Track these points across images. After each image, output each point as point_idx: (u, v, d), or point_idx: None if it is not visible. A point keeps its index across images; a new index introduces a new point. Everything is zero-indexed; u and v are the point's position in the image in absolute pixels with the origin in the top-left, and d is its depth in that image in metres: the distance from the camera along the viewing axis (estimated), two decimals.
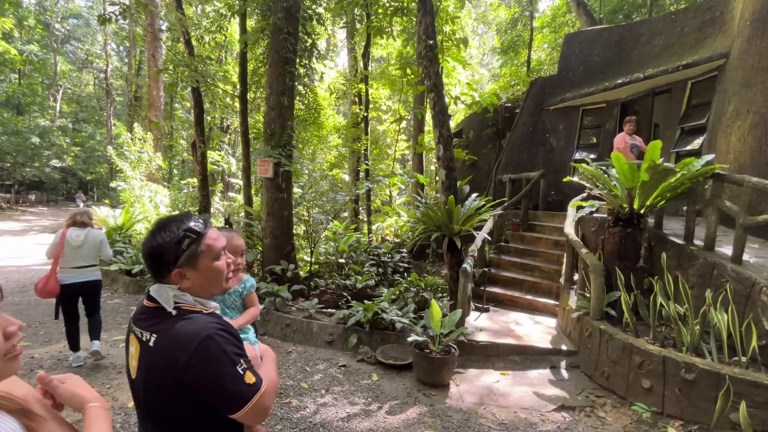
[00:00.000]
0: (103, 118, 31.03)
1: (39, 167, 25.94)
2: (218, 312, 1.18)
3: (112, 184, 15.18)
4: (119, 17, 6.76)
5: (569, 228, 5.01)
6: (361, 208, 11.60)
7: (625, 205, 4.14)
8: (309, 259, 7.91)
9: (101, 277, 4.19)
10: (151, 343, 1.05)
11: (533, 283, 5.86)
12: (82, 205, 20.69)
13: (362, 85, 10.86)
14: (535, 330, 4.82)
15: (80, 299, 3.95)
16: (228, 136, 22.77)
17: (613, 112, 7.75)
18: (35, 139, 24.53)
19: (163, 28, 16.13)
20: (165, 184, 17.08)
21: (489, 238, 5.76)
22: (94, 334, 3.95)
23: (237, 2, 8.55)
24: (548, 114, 8.86)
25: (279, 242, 6.87)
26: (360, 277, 6.72)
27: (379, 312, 4.71)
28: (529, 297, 5.60)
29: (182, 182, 18.55)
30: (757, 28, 5.06)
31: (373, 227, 11.05)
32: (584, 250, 4.35)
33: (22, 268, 8.45)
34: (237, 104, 13.60)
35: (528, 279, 5.93)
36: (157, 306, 1.08)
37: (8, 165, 25.25)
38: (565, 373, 4.01)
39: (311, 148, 14.50)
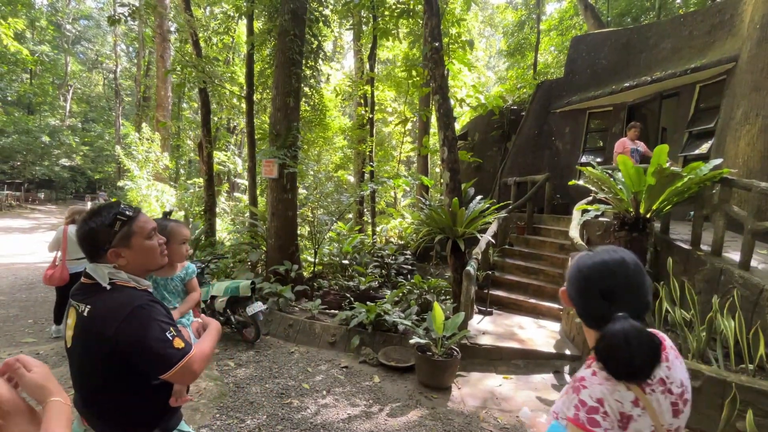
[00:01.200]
0: (111, 118, 31.38)
1: (48, 166, 26.28)
2: (150, 290, 1.30)
3: (120, 184, 15.34)
4: (128, 18, 6.84)
5: (574, 232, 4.97)
6: (365, 210, 11.61)
7: (631, 209, 4.10)
8: (313, 259, 7.93)
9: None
10: (85, 313, 1.16)
11: (538, 286, 5.82)
12: (103, 202, 20.88)
13: (368, 87, 10.88)
14: (539, 334, 4.79)
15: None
16: (234, 137, 22.92)
17: (620, 115, 7.69)
18: (45, 138, 24.88)
19: (172, 29, 16.28)
20: (172, 183, 17.22)
21: (493, 241, 5.73)
22: None
23: (244, 4, 8.63)
24: (554, 117, 8.81)
25: (283, 243, 6.89)
26: (363, 279, 6.71)
27: (382, 314, 4.71)
28: (533, 301, 5.57)
29: (189, 182, 18.68)
30: (766, 31, 5.00)
31: (378, 229, 11.05)
32: None
33: (30, 266, 8.55)
34: (243, 105, 13.71)
35: (533, 283, 5.89)
36: (93, 282, 1.20)
37: (18, 163, 25.62)
38: (568, 378, 3.97)
39: (317, 149, 14.55)
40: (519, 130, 9.21)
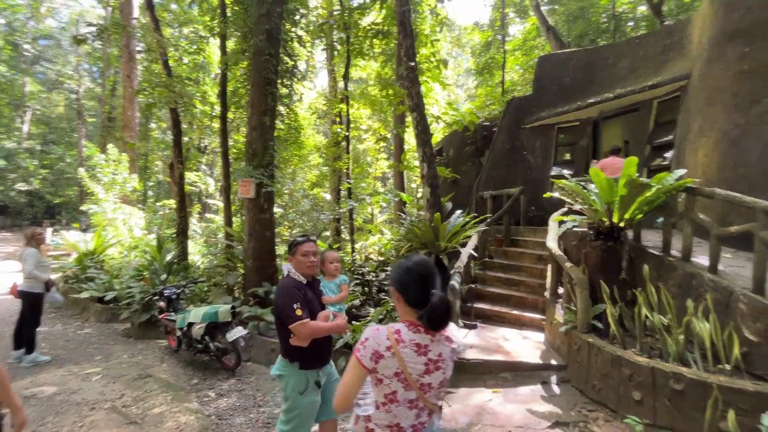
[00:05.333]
0: (73, 139, 30.04)
1: (3, 191, 24.72)
2: (304, 282, 2.32)
3: (83, 207, 14.58)
4: (95, 38, 6.65)
5: (552, 242, 5.10)
6: (342, 227, 11.54)
7: (605, 219, 4.26)
8: None
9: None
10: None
11: (519, 298, 5.90)
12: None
13: (343, 105, 10.97)
14: (524, 345, 4.82)
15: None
16: (206, 157, 22.42)
17: (586, 129, 8.09)
18: (1, 162, 23.44)
19: (139, 48, 15.93)
20: (140, 206, 16.54)
21: (475, 254, 5.80)
22: None
23: (217, 24, 8.58)
24: (525, 132, 9.15)
25: (261, 263, 6.71)
26: None
27: None
28: (516, 312, 5.63)
29: (158, 204, 18.02)
30: (714, 51, 5.44)
31: (356, 246, 10.97)
32: (568, 264, 4.43)
33: None
34: (216, 124, 13.48)
35: (514, 294, 5.97)
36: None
37: None
38: (556, 389, 4.00)
39: (292, 167, 14.43)
40: (492, 145, 9.49)
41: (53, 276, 5.42)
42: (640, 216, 4.25)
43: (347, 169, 11.60)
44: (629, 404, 3.30)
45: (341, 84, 12.56)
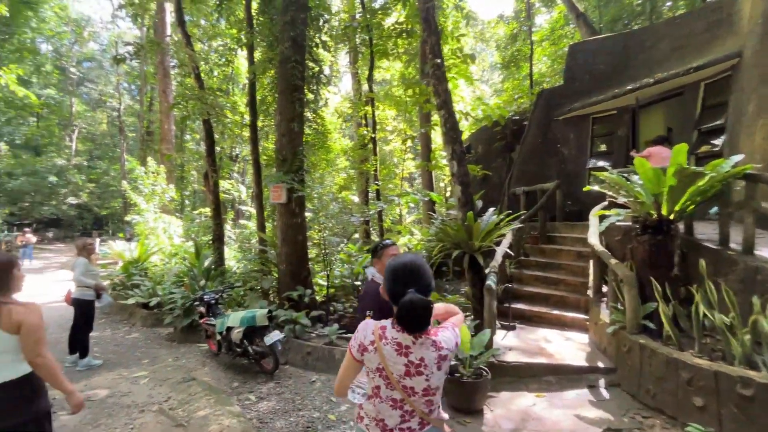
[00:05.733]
0: (116, 154, 31.87)
1: (56, 205, 26.57)
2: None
3: (127, 218, 15.40)
4: (132, 57, 6.98)
5: (594, 238, 4.85)
6: (371, 229, 11.53)
7: (653, 212, 3.99)
8: (325, 283, 7.81)
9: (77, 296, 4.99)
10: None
11: (559, 297, 5.65)
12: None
13: (368, 107, 10.99)
14: (567, 347, 4.61)
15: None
16: (237, 165, 23.15)
17: (624, 118, 7.67)
18: (52, 179, 25.24)
19: (173, 64, 16.67)
20: (177, 215, 17.28)
21: (512, 252, 5.60)
22: None
23: (244, 36, 8.82)
24: (558, 124, 8.80)
25: (294, 268, 6.80)
26: None
27: None
28: (556, 312, 5.40)
29: (194, 212, 18.75)
30: None
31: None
32: (614, 261, 4.19)
33: (42, 306, 8.45)
34: (246, 133, 13.87)
35: (554, 293, 5.73)
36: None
37: (27, 204, 25.91)
38: (605, 393, 3.78)
39: (320, 171, 14.61)
40: (523, 139, 9.20)
41: (104, 283, 5.76)
42: (691, 207, 3.96)
43: (375, 170, 11.60)
44: (690, 411, 3.06)
45: (365, 87, 12.60)
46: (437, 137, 17.35)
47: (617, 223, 5.32)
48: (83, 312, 4.94)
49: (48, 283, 11.33)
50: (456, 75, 6.48)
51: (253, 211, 16.56)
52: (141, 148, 24.65)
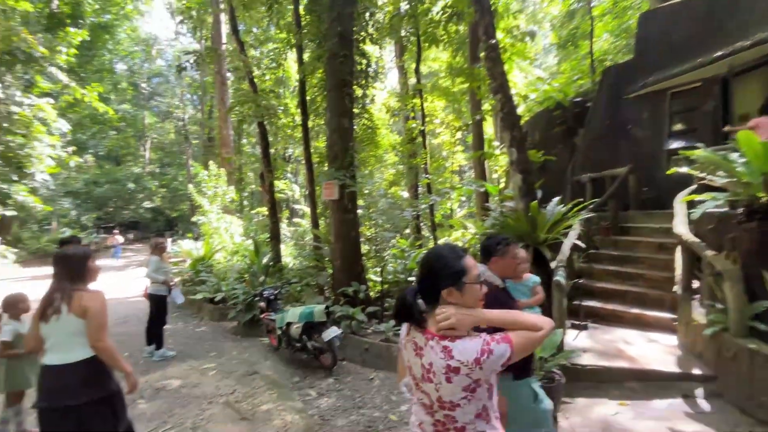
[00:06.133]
0: (183, 160, 34.53)
1: (134, 209, 29.38)
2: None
3: (194, 219, 16.56)
4: (194, 65, 7.37)
5: (682, 227, 4.26)
6: (422, 224, 11.31)
7: (762, 194, 3.39)
8: (378, 279, 7.76)
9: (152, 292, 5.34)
10: None
11: (638, 293, 5.08)
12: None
13: (417, 100, 10.76)
14: (652, 350, 4.10)
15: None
16: (290, 165, 24.00)
17: (712, 90, 6.71)
18: (131, 185, 27.92)
19: (229, 74, 17.59)
20: (238, 215, 18.28)
21: (583, 245, 5.13)
22: None
23: (293, 37, 8.98)
24: (628, 103, 7.96)
25: (348, 263, 6.80)
26: None
27: None
28: (635, 310, 4.85)
29: (252, 212, 19.72)
30: None
31: (439, 242, 10.67)
32: (710, 253, 3.63)
33: (123, 301, 9.32)
34: (298, 133, 14.24)
35: (631, 289, 5.16)
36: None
37: (111, 209, 28.93)
38: (704, 404, 3.29)
39: (369, 168, 14.65)
40: (587, 122, 8.45)
41: (175, 279, 6.17)
42: None
43: (425, 164, 11.36)
44: None
45: (412, 80, 12.37)
46: (489, 127, 16.66)
47: (708, 210, 4.66)
48: (157, 306, 5.29)
49: (129, 280, 12.48)
50: (513, 55, 6.04)
51: (307, 209, 17.05)
52: (203, 154, 26.43)
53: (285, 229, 16.53)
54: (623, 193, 6.76)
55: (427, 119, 13.57)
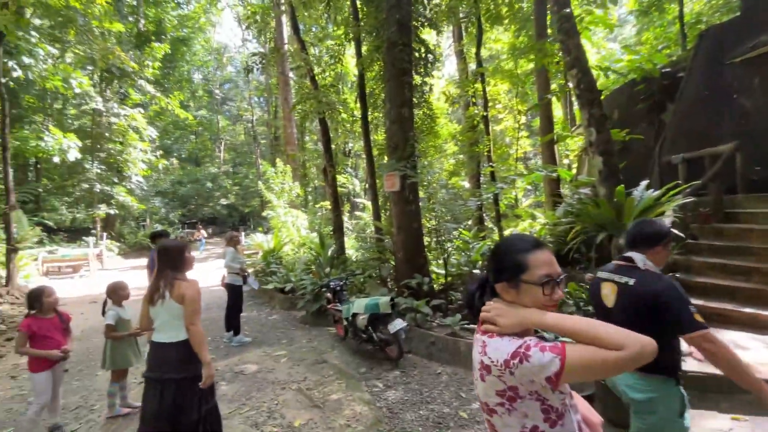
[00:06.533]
0: (252, 159, 36.93)
1: (212, 206, 32.12)
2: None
3: (264, 214, 17.65)
4: (259, 66, 7.72)
5: None
6: (484, 215, 10.84)
7: None
8: (441, 271, 7.59)
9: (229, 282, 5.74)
10: (630, 283, 1.83)
11: (752, 290, 4.33)
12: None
13: (479, 85, 10.27)
14: None
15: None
16: (350, 160, 24.52)
17: None
18: (209, 184, 30.53)
19: (291, 75, 18.34)
20: (303, 209, 19.13)
21: (681, 234, 4.51)
22: None
23: (351, 29, 9.03)
24: (732, 69, 6.82)
25: (411, 255, 6.72)
26: None
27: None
28: (749, 310, 4.14)
29: (316, 206, 20.51)
30: None
31: (505, 233, 10.16)
32: None
33: (205, 290, 10.17)
34: (357, 128, 14.44)
35: (742, 286, 4.42)
36: (629, 264, 1.89)
37: (193, 206, 31.93)
38: None
39: (428, 158, 14.41)
40: (679, 94, 7.41)
41: (249, 270, 6.60)
42: None
43: (488, 152, 10.85)
44: None
45: (471, 66, 11.82)
46: (557, 110, 15.47)
47: None
48: (234, 295, 5.66)
49: (210, 271, 13.65)
50: (590, 25, 5.44)
51: (367, 202, 17.29)
52: (271, 153, 28.01)
53: (346, 222, 16.95)
54: (728, 175, 5.82)
55: (489, 104, 12.96)
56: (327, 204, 18.50)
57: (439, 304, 5.76)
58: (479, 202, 9.66)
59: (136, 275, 11.41)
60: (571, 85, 5.00)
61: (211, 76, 36.68)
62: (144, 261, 16.50)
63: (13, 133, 11.48)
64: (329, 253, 8.39)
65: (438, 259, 7.46)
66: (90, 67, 16.25)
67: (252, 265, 10.79)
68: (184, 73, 28.79)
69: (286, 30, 17.95)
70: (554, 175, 6.59)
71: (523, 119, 16.76)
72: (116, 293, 3.44)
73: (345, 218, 17.77)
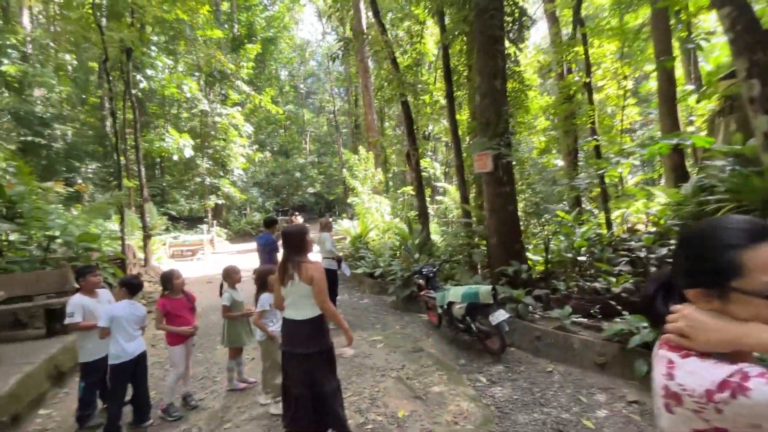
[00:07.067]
0: (335, 149, 38.48)
1: (301, 195, 34.38)
2: None
3: (349, 200, 18.24)
4: (342, 52, 7.74)
5: None
6: (582, 197, 9.67)
7: None
8: (536, 257, 6.98)
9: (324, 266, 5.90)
10: None
11: None
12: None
13: (579, 48, 9.05)
14: None
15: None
16: (430, 144, 24.03)
17: None
18: (297, 174, 32.66)
19: (370, 63, 18.39)
20: (384, 195, 19.34)
21: None
22: None
23: (432, 3, 8.56)
24: None
25: (506, 240, 6.23)
26: (613, 279, 5.31)
27: None
28: None
29: (398, 192, 20.60)
30: None
31: (613, 215, 8.95)
32: None
33: None
34: (437, 111, 13.95)
35: None
36: None
37: (284, 195, 34.54)
38: None
39: (516, 137, 13.34)
40: None
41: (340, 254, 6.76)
42: None
43: (591, 123, 9.60)
44: None
45: (565, 31, 10.49)
46: (730, 47, 13.01)
47: None
48: (329, 279, 5.82)
49: None
50: None
51: (449, 186, 16.78)
52: (352, 141, 28.80)
53: (429, 207, 16.68)
54: None
55: (592, 69, 11.43)
56: (409, 189, 18.41)
57: (539, 294, 5.24)
58: (586, 181, 8.62)
59: (243, 258, 12.64)
60: (721, 29, 4.00)
61: (295, 72, 38.79)
62: (246, 246, 18.30)
63: (142, 137, 13.40)
64: (417, 239, 8.24)
65: (530, 245, 6.84)
66: (197, 73, 18.23)
67: (341, 249, 11.19)
68: (273, 71, 30.83)
69: (365, 18, 17.95)
70: (688, 143, 5.44)
71: (630, 84, 14.52)
72: (230, 277, 3.69)
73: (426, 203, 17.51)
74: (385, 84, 8.81)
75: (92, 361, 3.16)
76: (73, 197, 12.99)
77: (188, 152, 16.21)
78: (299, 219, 25.17)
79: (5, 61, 15.36)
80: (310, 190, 35.46)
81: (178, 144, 15.72)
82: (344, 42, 8.00)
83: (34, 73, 15.74)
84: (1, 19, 16.65)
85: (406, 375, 3.76)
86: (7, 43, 15.77)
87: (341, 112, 38.39)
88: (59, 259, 6.25)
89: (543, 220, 7.61)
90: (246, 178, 24.49)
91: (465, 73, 9.98)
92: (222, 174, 20.67)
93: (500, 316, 3.98)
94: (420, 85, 11.22)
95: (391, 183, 26.58)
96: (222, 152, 20.12)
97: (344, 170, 17.45)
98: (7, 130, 13.45)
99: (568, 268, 6.91)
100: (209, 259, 14.84)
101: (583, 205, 10.06)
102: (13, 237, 6.33)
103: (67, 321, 3.11)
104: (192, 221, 20.77)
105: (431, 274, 5.44)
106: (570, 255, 6.80)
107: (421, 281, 5.59)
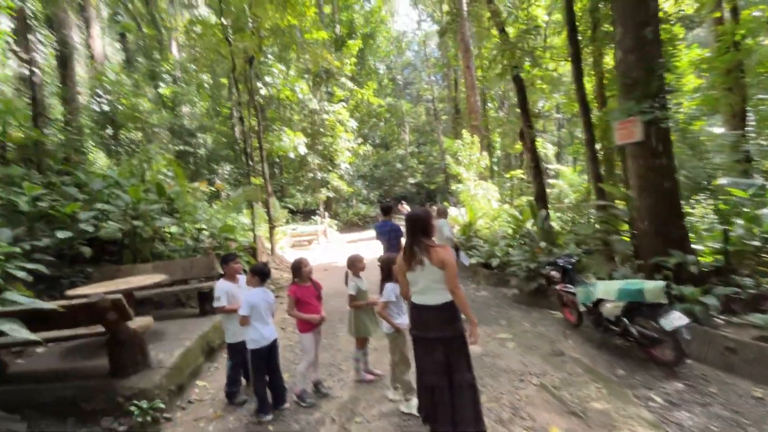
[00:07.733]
0: (434, 137, 37.87)
1: (402, 185, 34.78)
2: None
3: (453, 188, 17.62)
4: (449, 27, 7.19)
5: None
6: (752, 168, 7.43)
7: None
8: (706, 247, 5.58)
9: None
10: None
11: None
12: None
13: None
14: None
15: None
16: (540, 121, 21.81)
17: None
18: (398, 165, 33.09)
19: (471, 43, 17.29)
20: (490, 180, 18.17)
21: None
22: None
23: None
24: None
25: (662, 225, 5.09)
26: None
27: None
28: None
29: (506, 176, 19.20)
30: None
31: None
32: None
33: None
34: (551, 84, 12.38)
35: None
36: None
37: (386, 186, 35.39)
38: None
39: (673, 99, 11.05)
40: None
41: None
42: None
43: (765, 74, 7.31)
44: None
45: None
46: None
47: None
48: None
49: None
50: None
51: (563, 168, 14.89)
52: (453, 127, 27.87)
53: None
54: None
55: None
56: (518, 173, 16.96)
57: (732, 292, 4.09)
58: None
59: (355, 247, 13.13)
60: None
61: (393, 65, 39.10)
62: (355, 235, 19.12)
63: (264, 139, 14.85)
64: (541, 224, 7.34)
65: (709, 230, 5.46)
66: (306, 75, 19.52)
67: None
68: (372, 66, 31.54)
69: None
70: None
71: None
72: (354, 265, 3.59)
73: None
74: (499, 56, 7.97)
75: (235, 342, 3.39)
76: (214, 195, 15.10)
77: (302, 149, 17.48)
78: (407, 207, 25.50)
79: (162, 84, 18.61)
80: (411, 180, 35.64)
81: (294, 142, 17.05)
82: (451, 16, 7.42)
83: (182, 92, 18.77)
84: (159, 52, 20.18)
85: (552, 384, 3.21)
86: (163, 70, 19.07)
87: (439, 100, 37.53)
88: (207, 248, 7.21)
89: (709, 197, 6.07)
90: (352, 171, 25.65)
91: (588, 34, 8.61)
92: (330, 168, 21.94)
93: (677, 320, 3.12)
94: (536, 52, 10.00)
95: (495, 168, 25.02)
96: (330, 148, 21.33)
97: (447, 157, 16.84)
98: (165, 142, 16.27)
99: (752, 260, 5.37)
100: (323, 249, 15.85)
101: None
102: (173, 229, 7.46)
103: (215, 304, 3.39)
104: (306, 213, 22.58)
105: (569, 266, 4.67)
106: (756, 243, 5.25)
107: (555, 273, 4.86)
